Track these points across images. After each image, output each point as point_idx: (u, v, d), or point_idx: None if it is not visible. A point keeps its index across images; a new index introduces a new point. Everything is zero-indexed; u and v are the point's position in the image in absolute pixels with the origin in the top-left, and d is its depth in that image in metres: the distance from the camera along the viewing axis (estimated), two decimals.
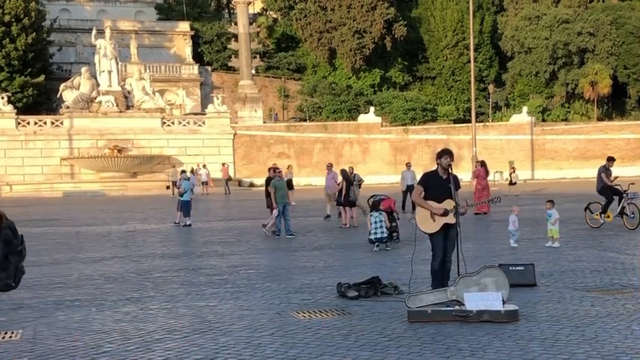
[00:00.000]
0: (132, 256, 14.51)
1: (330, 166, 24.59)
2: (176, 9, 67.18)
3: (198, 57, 63.02)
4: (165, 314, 8.69)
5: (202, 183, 40.73)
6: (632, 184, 18.65)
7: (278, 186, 17.91)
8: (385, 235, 14.42)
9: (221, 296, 9.76)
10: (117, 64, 47.46)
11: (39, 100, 52.00)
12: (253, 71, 57.08)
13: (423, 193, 8.98)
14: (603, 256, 12.71)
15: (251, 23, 57.83)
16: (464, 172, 35.64)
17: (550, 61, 58.61)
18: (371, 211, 14.95)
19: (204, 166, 43.08)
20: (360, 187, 22.28)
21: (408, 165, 26.80)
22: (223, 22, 66.54)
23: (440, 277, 8.97)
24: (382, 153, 50.67)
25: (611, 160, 17.72)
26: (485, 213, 22.56)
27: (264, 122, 53.10)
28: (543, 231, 17.17)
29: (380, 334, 7.36)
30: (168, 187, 40.36)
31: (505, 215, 22.21)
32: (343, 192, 19.42)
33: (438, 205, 8.82)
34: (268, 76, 62.57)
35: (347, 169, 21.64)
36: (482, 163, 24.61)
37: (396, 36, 59.15)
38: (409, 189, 23.22)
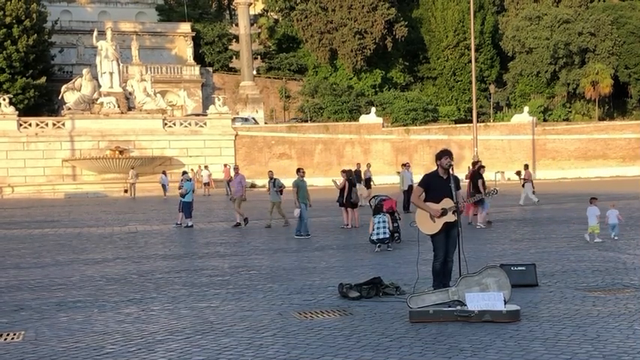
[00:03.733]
0: (134, 258, 14.52)
1: (236, 169, 23.17)
2: (177, 10, 67.23)
3: (199, 58, 63.03)
4: (167, 315, 8.70)
5: (204, 184, 40.87)
6: None
7: (300, 186, 18.01)
8: (387, 235, 14.43)
9: (223, 297, 9.77)
10: (118, 65, 47.45)
11: (40, 102, 51.98)
12: (254, 72, 57.10)
13: (423, 194, 8.97)
14: (605, 255, 12.71)
15: (252, 24, 57.86)
16: (463, 173, 35.61)
17: (551, 61, 58.60)
18: (375, 214, 14.96)
19: (205, 167, 43.15)
20: (281, 194, 20.67)
21: (407, 165, 26.80)
22: (224, 23, 66.55)
23: (441, 278, 8.98)
24: (383, 153, 50.67)
25: None
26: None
27: (266, 123, 53.13)
28: (544, 231, 17.20)
29: (382, 335, 7.36)
30: (125, 191, 40.32)
31: (507, 215, 22.25)
32: (345, 193, 19.40)
33: (435, 206, 8.82)
34: (269, 77, 62.57)
35: (351, 169, 21.64)
36: (474, 164, 24.72)
37: (396, 36, 59.13)
38: (411, 189, 23.23)
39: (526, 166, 27.93)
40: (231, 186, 22.71)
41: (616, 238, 14.84)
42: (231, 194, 21.72)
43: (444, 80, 62.69)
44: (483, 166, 20.02)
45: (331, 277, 11.12)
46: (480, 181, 18.84)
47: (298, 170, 19.10)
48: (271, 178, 21.10)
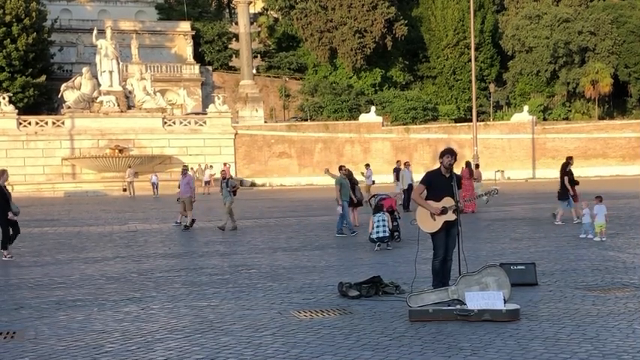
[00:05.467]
0: (133, 256, 14.52)
1: (184, 170, 21.82)
2: (177, 9, 67.21)
3: (199, 57, 63.03)
4: (166, 314, 8.70)
5: (205, 183, 41.09)
6: None
7: (343, 183, 17.94)
8: (387, 234, 14.43)
9: (222, 296, 9.77)
10: (118, 64, 47.47)
11: (40, 101, 52.02)
12: (254, 71, 57.09)
13: (425, 192, 8.96)
14: (604, 254, 12.70)
15: (252, 23, 57.84)
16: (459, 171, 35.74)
17: (551, 60, 58.59)
18: (374, 213, 14.96)
19: (210, 166, 43.48)
20: (235, 194, 19.88)
21: (407, 164, 26.89)
22: (224, 22, 66.54)
23: (441, 276, 8.97)
24: (383, 152, 50.67)
25: None
26: (472, 212, 22.57)
27: (266, 122, 53.16)
28: (544, 230, 17.20)
29: (381, 334, 7.36)
30: (124, 190, 40.22)
31: (506, 214, 22.24)
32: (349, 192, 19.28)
33: (436, 204, 8.81)
34: (269, 76, 62.57)
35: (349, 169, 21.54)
36: (467, 164, 24.81)
37: (396, 35, 59.13)
38: (411, 188, 23.25)
39: (477, 166, 28.15)
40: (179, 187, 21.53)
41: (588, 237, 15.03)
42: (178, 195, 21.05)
43: (444, 79, 62.69)
44: (570, 162, 19.08)
45: (331, 276, 11.12)
46: (566, 179, 18.38)
47: (341, 168, 18.80)
48: (224, 178, 20.39)
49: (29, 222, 23.33)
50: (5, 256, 14.37)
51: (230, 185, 19.83)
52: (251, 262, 13.18)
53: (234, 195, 19.96)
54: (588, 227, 15.18)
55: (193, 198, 20.69)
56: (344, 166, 19.02)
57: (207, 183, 41.23)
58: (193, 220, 20.38)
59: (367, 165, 32.34)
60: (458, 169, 23.97)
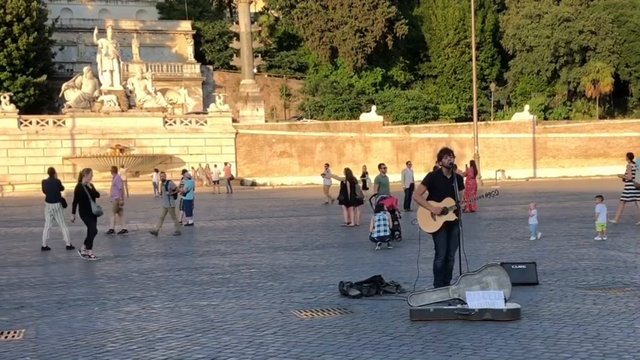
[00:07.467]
0: (134, 256, 14.53)
1: (114, 170, 20.39)
2: (177, 8, 67.19)
3: (199, 56, 63.02)
4: (167, 313, 8.70)
5: (214, 182, 41.38)
6: None
7: (382, 182, 17.81)
8: (387, 233, 14.43)
9: (223, 295, 9.77)
10: (119, 63, 47.49)
11: (41, 100, 52.02)
12: (255, 70, 57.07)
13: (427, 192, 8.96)
14: (605, 254, 12.70)
15: (252, 22, 57.83)
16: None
17: (552, 59, 58.55)
18: (375, 212, 14.96)
19: (215, 165, 43.64)
20: (175, 198, 18.96)
21: (409, 164, 26.89)
22: (225, 21, 66.52)
23: (442, 276, 8.97)
24: (384, 152, 50.65)
25: None
26: (472, 210, 22.56)
27: (266, 121, 53.16)
28: (544, 230, 17.18)
29: (382, 333, 7.36)
30: None
31: (507, 214, 22.24)
32: (348, 191, 19.29)
33: (437, 204, 8.81)
34: (270, 75, 62.55)
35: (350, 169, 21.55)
36: (472, 163, 24.76)
37: (397, 34, 59.10)
38: (412, 187, 23.29)
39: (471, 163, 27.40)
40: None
41: (538, 238, 14.98)
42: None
43: (445, 78, 62.66)
44: None
45: (332, 276, 11.12)
46: None
47: (380, 166, 18.61)
48: (163, 180, 19.19)
49: (30, 221, 23.34)
50: (90, 256, 14.11)
51: (170, 188, 18.83)
52: (252, 261, 13.19)
53: (175, 198, 19.09)
54: (533, 229, 15.14)
55: (121, 200, 19.26)
56: (383, 164, 18.89)
57: (216, 182, 41.46)
58: (112, 230, 19.03)
59: (327, 165, 32.23)
60: (460, 169, 24.11)
